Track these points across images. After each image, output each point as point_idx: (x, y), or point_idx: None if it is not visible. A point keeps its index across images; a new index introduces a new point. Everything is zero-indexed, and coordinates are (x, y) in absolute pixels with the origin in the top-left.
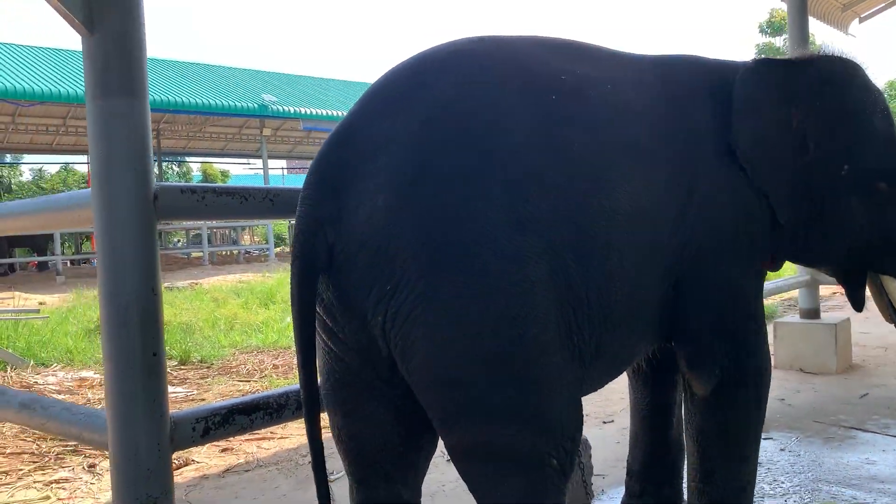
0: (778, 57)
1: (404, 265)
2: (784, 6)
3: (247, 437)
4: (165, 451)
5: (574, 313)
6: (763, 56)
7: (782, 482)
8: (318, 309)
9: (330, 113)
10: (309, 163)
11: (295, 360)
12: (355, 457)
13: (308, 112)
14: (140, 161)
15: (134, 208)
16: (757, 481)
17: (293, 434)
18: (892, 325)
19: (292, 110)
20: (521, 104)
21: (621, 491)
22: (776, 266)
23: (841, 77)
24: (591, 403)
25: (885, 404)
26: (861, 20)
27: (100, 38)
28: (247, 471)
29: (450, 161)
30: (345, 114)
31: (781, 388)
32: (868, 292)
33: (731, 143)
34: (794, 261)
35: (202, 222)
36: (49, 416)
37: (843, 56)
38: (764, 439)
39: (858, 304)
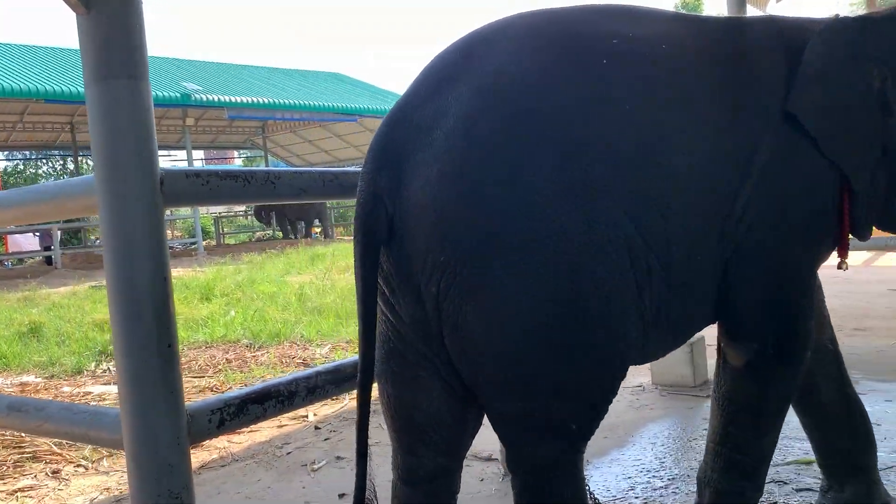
0: (853, 15)
1: (460, 235)
2: None
3: None
4: (184, 444)
5: (634, 281)
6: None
7: None
8: (379, 280)
9: (255, 100)
10: (230, 152)
11: (248, 354)
12: (402, 425)
13: (233, 100)
14: (145, 145)
15: (142, 194)
16: None
17: (263, 427)
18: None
19: (216, 98)
20: (572, 69)
21: (605, 461)
22: (862, 235)
23: None
24: None
25: None
26: (778, 0)
27: (97, 16)
28: (223, 466)
29: (502, 127)
30: (270, 100)
31: None
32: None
33: (793, 111)
34: (881, 227)
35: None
36: (46, 418)
37: None
38: None
39: None
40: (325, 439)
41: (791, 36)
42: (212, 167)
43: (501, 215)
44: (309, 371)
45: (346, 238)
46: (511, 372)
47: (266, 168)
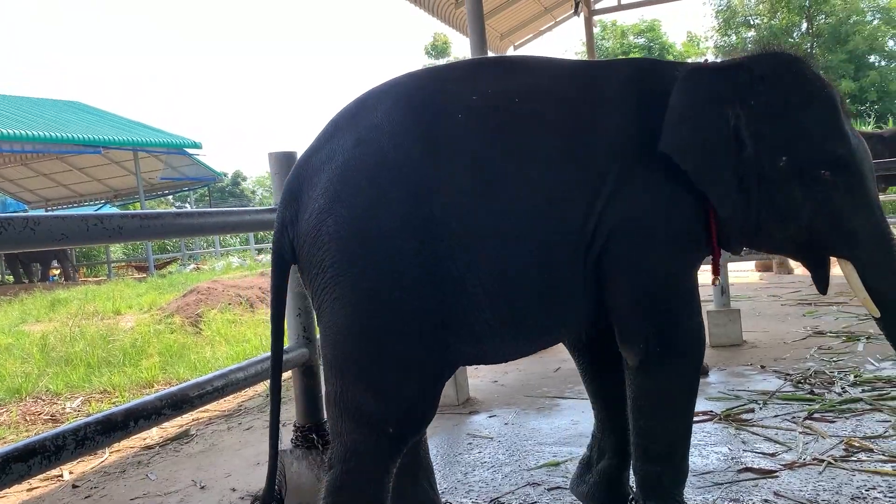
0: (710, 62)
1: (328, 251)
2: (451, 32)
3: None
4: None
5: (462, 298)
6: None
7: (513, 451)
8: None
9: None
10: None
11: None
12: None
13: None
14: None
15: None
16: (492, 453)
17: (8, 493)
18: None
19: None
20: (432, 125)
21: None
22: (733, 250)
23: (776, 73)
24: None
25: (575, 375)
26: (515, 48)
27: None
28: None
29: (368, 173)
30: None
31: (492, 371)
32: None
33: (665, 150)
34: (751, 247)
35: None
36: None
37: (783, 51)
38: (489, 417)
39: (822, 286)
40: (86, 497)
41: (651, 76)
42: None
43: (357, 240)
44: (77, 422)
45: (91, 279)
46: (335, 353)
47: (25, 214)
